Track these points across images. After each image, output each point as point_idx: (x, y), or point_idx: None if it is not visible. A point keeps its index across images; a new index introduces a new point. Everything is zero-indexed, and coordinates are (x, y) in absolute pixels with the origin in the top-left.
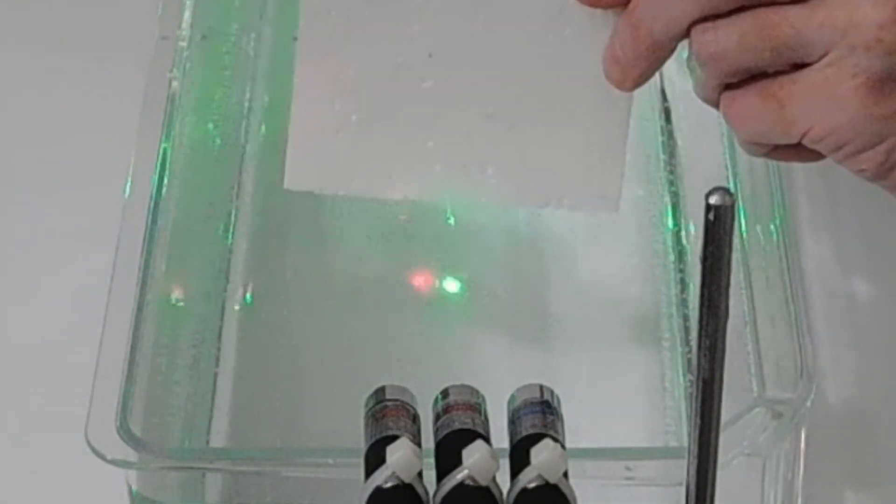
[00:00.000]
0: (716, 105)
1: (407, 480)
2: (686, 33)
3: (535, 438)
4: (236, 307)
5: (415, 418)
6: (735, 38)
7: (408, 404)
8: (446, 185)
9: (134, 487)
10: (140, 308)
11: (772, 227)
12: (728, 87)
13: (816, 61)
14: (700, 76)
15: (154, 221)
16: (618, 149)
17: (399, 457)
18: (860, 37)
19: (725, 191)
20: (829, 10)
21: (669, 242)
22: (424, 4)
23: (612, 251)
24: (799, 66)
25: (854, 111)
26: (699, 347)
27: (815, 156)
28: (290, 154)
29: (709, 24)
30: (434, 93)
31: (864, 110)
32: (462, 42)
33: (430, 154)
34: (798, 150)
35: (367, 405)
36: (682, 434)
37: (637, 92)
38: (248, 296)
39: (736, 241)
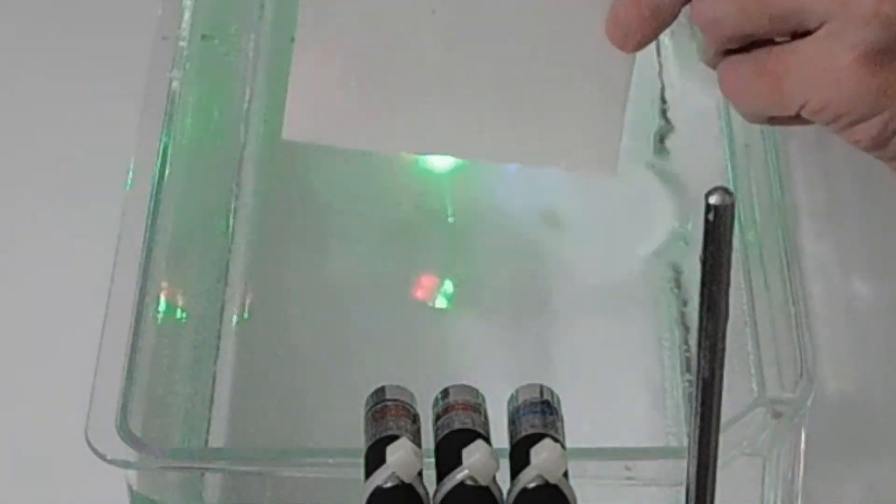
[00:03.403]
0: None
1: (407, 480)
2: None
3: (535, 438)
4: (236, 307)
5: (415, 418)
6: (734, 4)
7: (408, 404)
8: (444, 141)
9: (134, 487)
10: (140, 308)
11: (772, 227)
12: (728, 52)
13: (815, 30)
14: (701, 42)
15: (154, 222)
16: (617, 112)
17: (399, 457)
18: (859, 8)
19: (725, 191)
20: None
21: (669, 243)
22: None
23: (612, 252)
24: (797, 35)
25: (850, 84)
26: (699, 347)
27: (812, 122)
28: (290, 105)
29: None
30: (436, 50)
31: (860, 83)
32: (466, 0)
33: (430, 110)
34: (795, 119)
35: (367, 405)
36: (682, 434)
37: (637, 92)
38: (247, 296)
39: (736, 241)
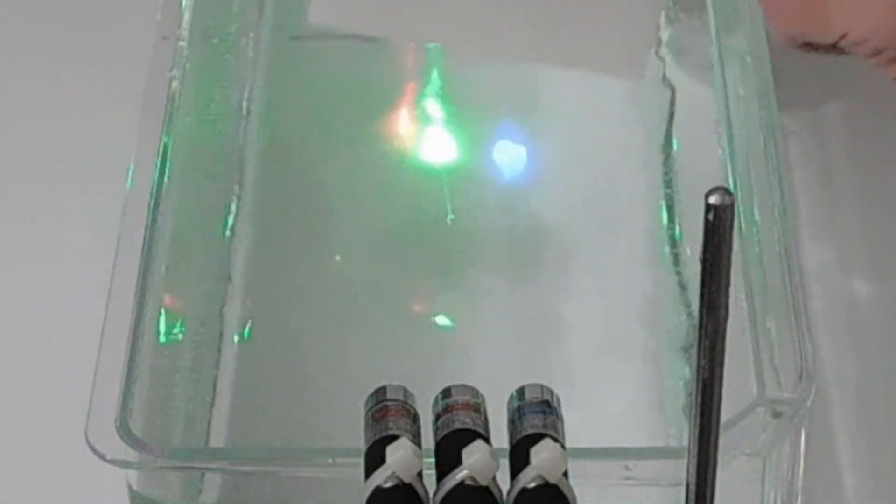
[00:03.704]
0: None
1: (407, 480)
2: None
3: (535, 438)
4: (236, 306)
5: (415, 418)
6: None
7: (408, 404)
8: (473, 37)
9: (134, 487)
10: (140, 308)
11: (772, 227)
12: None
13: None
14: None
15: (154, 222)
16: (652, 18)
17: (399, 457)
18: None
19: (725, 191)
20: None
21: (669, 242)
22: None
23: (612, 251)
24: None
25: (893, 18)
26: (699, 347)
27: (846, 54)
28: None
29: None
30: None
31: None
32: None
33: (461, 5)
34: (832, 49)
35: (367, 405)
36: (682, 434)
37: (638, 92)
38: (248, 295)
39: (736, 241)
